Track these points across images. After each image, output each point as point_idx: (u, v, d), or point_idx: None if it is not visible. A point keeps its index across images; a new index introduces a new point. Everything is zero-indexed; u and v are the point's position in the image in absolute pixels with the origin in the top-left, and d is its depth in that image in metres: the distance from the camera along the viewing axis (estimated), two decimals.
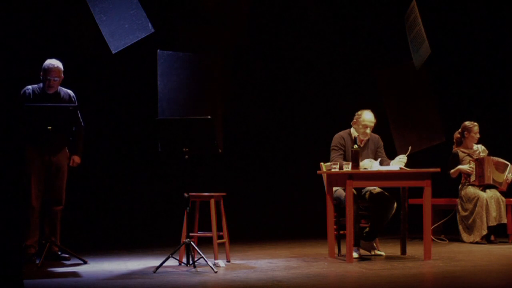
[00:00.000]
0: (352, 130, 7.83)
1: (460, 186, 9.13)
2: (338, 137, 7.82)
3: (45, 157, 7.37)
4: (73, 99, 7.67)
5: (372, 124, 7.77)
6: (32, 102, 7.40)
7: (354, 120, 7.82)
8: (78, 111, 7.66)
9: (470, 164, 9.02)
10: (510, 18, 10.57)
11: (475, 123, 9.18)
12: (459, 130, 9.25)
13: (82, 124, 7.72)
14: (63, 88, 7.66)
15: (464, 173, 9.08)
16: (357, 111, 7.83)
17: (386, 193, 7.62)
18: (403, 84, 9.78)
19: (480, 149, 9.20)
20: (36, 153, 7.45)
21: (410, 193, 8.07)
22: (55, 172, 7.55)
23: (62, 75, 7.56)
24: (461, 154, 9.16)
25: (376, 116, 7.84)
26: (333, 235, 7.62)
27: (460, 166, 9.08)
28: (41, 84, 7.57)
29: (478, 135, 9.17)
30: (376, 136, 7.92)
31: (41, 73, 7.52)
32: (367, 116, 7.76)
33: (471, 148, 9.19)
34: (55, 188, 7.56)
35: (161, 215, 9.75)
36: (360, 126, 7.75)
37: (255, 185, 10.47)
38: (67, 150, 7.69)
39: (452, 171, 9.10)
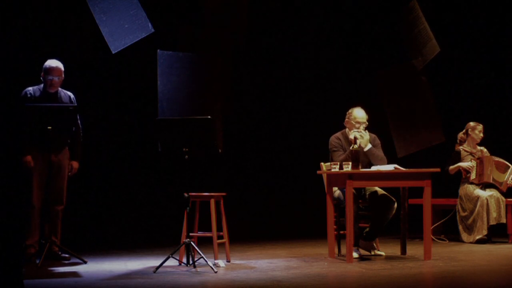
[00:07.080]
0: (346, 130, 7.80)
1: (460, 185, 9.13)
2: (334, 138, 7.78)
3: (46, 157, 7.38)
4: (73, 101, 7.68)
5: (365, 120, 7.68)
6: (33, 103, 7.41)
7: (346, 119, 7.78)
8: (78, 114, 7.66)
9: (471, 162, 9.02)
10: (511, 17, 10.56)
11: (480, 124, 9.18)
12: (464, 130, 9.25)
13: (80, 127, 7.72)
14: (63, 90, 7.67)
15: (464, 171, 9.08)
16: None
17: (387, 194, 7.61)
18: (403, 84, 9.78)
19: (483, 150, 9.21)
20: (38, 152, 7.46)
21: (410, 193, 8.07)
22: (57, 171, 7.56)
23: (63, 75, 7.58)
24: (463, 153, 9.16)
25: (369, 113, 7.78)
26: (333, 235, 7.62)
27: (460, 164, 9.08)
28: (41, 85, 7.58)
29: (481, 135, 9.17)
30: (373, 135, 7.84)
31: (42, 73, 7.54)
32: (358, 113, 7.68)
33: (474, 148, 9.20)
34: (57, 188, 7.57)
35: (161, 215, 9.74)
36: (353, 124, 7.70)
37: (255, 185, 10.46)
38: (68, 150, 7.70)
39: (451, 167, 9.09)
